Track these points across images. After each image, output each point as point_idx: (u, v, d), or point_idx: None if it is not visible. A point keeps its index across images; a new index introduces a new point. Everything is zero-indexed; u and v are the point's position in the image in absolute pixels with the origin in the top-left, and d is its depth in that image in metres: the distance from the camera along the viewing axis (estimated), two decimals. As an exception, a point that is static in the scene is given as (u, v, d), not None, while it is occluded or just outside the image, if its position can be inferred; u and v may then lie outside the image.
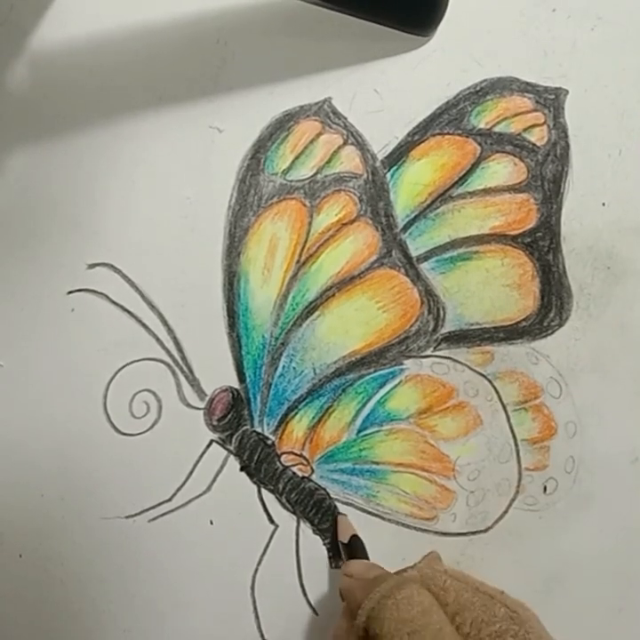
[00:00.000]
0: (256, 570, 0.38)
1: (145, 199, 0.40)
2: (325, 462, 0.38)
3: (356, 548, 0.36)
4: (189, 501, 0.38)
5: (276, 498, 0.38)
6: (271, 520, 0.38)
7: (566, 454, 0.37)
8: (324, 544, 0.38)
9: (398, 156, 0.38)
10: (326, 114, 0.39)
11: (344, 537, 0.36)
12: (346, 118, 0.39)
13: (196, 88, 0.39)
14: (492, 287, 0.37)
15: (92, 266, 0.40)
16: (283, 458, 0.38)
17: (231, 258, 0.39)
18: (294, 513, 0.38)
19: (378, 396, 0.38)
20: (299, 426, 0.38)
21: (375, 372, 0.38)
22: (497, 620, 0.30)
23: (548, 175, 0.37)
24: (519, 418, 0.37)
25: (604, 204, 0.37)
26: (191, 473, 0.38)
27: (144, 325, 0.39)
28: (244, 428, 0.38)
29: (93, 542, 0.39)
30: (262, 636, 0.38)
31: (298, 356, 0.38)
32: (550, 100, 0.37)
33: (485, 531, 0.37)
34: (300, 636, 0.38)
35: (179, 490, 0.38)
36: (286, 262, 0.38)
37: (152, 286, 0.39)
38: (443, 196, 0.38)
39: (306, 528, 0.38)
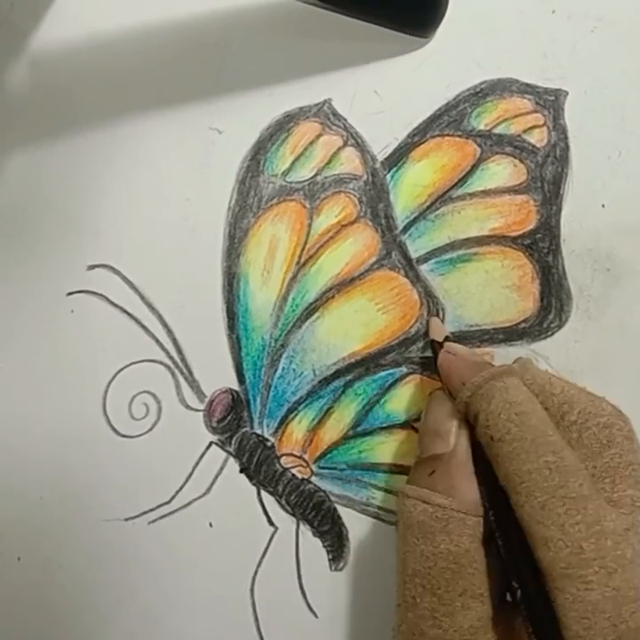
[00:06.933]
0: (255, 572, 0.38)
1: (145, 200, 0.39)
2: (325, 464, 0.38)
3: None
4: (189, 503, 0.38)
5: (276, 500, 0.38)
6: (271, 522, 0.38)
7: (566, 456, 0.37)
8: (324, 546, 0.38)
9: (398, 157, 0.38)
10: (326, 115, 0.39)
11: (439, 336, 0.35)
12: (346, 119, 0.39)
13: (196, 89, 0.39)
14: (491, 289, 0.37)
15: (91, 267, 0.40)
16: (282, 460, 0.38)
17: (231, 259, 0.39)
18: (294, 515, 0.38)
19: (377, 398, 0.38)
20: (298, 427, 0.38)
21: (375, 373, 0.38)
22: (605, 414, 0.29)
23: (547, 177, 0.37)
24: (519, 419, 0.37)
25: (603, 206, 0.37)
26: (191, 475, 0.38)
27: (143, 327, 0.39)
28: (244, 429, 0.38)
29: (92, 545, 0.39)
30: (262, 638, 0.38)
31: (297, 358, 0.38)
32: (550, 102, 0.37)
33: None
34: (299, 638, 0.38)
35: (178, 492, 0.38)
36: (286, 264, 0.38)
37: (152, 288, 0.39)
38: (442, 198, 0.38)
39: (305, 530, 0.38)
